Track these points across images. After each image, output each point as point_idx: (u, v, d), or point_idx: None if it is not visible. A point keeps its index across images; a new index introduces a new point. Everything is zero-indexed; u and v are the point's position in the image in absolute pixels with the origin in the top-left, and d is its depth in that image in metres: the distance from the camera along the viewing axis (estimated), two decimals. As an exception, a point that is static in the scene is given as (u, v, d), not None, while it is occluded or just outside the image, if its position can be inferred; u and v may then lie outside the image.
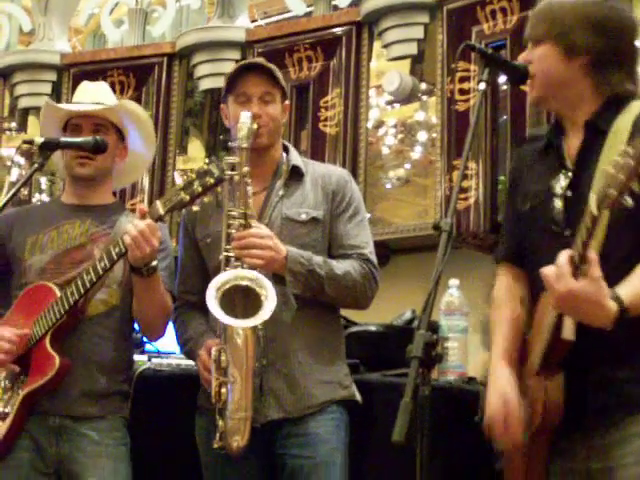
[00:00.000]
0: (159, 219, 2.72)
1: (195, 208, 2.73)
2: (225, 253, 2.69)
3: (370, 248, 2.88)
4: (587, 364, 2.15)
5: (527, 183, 2.38)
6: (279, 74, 2.90)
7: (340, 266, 2.79)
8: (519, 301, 2.35)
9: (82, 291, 2.79)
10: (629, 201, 1.86)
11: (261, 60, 2.96)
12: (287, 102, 2.96)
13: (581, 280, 1.96)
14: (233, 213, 2.70)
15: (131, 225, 2.72)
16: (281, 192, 2.86)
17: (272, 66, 2.90)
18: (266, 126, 2.82)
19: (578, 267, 1.97)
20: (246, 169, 2.70)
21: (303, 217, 2.84)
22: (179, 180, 5.01)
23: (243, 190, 2.70)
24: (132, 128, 3.07)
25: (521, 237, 2.38)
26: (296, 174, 2.89)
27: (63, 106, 3.12)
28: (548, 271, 2.02)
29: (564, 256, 2.00)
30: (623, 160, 1.83)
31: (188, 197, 2.65)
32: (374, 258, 2.87)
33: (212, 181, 2.63)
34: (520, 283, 2.37)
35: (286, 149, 2.96)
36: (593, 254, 1.96)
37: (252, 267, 2.67)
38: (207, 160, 2.68)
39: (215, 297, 2.59)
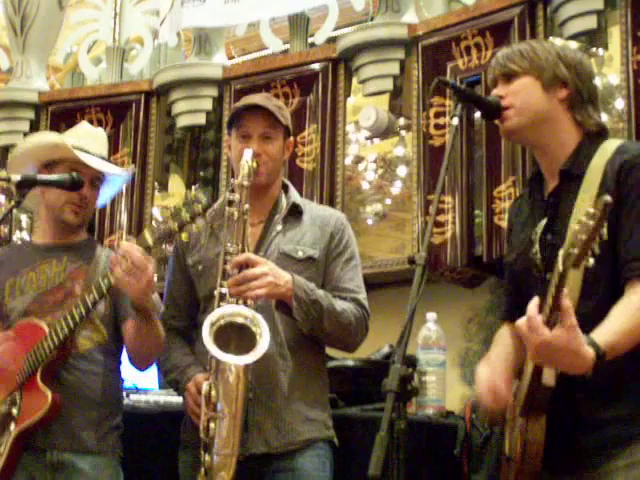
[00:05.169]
0: (148, 249, 2.66)
1: (185, 238, 2.71)
2: (220, 289, 2.68)
3: (364, 294, 2.90)
4: (572, 405, 2.16)
5: (515, 235, 2.43)
6: (283, 113, 2.90)
7: (339, 303, 2.80)
8: (513, 348, 2.35)
9: (72, 325, 2.76)
10: (590, 261, 1.88)
11: (264, 100, 2.93)
12: (291, 139, 2.97)
13: (555, 329, 1.96)
14: (230, 250, 2.69)
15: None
16: (279, 227, 2.87)
17: (275, 104, 2.91)
18: (265, 165, 2.84)
19: (552, 315, 1.97)
20: (246, 206, 2.71)
21: (300, 255, 2.85)
22: (160, 217, 5.01)
23: (242, 227, 2.70)
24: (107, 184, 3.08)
25: (516, 292, 2.40)
26: (295, 211, 2.91)
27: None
28: (521, 323, 2.02)
29: (533, 305, 2.00)
30: (586, 220, 1.85)
31: (176, 225, 2.59)
32: (367, 304, 2.88)
33: (200, 207, 2.57)
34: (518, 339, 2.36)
35: (285, 187, 2.97)
36: (567, 302, 1.95)
37: (256, 299, 2.65)
38: (193, 189, 2.65)
39: (210, 333, 2.56)
